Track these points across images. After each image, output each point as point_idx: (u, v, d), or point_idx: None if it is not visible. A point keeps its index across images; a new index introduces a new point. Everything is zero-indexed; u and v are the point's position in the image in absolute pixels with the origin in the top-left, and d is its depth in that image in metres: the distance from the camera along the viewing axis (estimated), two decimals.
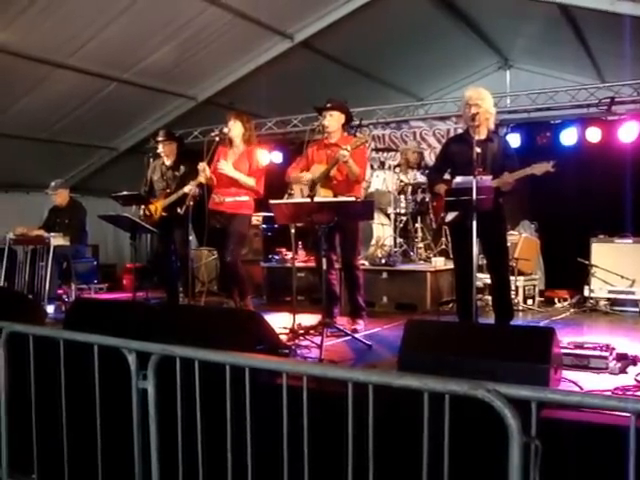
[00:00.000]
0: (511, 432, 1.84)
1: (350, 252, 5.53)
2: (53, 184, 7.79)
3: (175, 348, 2.57)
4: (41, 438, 3.24)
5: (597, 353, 3.80)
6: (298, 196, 5.40)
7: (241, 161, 5.83)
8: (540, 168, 4.65)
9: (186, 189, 5.99)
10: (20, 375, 3.24)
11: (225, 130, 5.89)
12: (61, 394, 3.09)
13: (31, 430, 3.22)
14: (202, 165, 5.75)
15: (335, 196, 5.26)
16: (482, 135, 4.89)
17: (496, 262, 5.08)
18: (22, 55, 7.32)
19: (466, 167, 4.55)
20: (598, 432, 2.60)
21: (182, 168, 6.48)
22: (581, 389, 3.32)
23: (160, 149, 6.69)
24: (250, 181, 5.75)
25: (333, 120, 5.48)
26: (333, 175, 5.36)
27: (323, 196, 5.16)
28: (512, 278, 6.30)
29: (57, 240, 7.09)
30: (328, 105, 5.48)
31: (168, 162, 6.66)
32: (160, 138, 6.70)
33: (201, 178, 5.84)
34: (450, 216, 4.94)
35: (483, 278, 6.34)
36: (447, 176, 5.16)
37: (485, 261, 5.48)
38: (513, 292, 6.31)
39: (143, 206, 6.62)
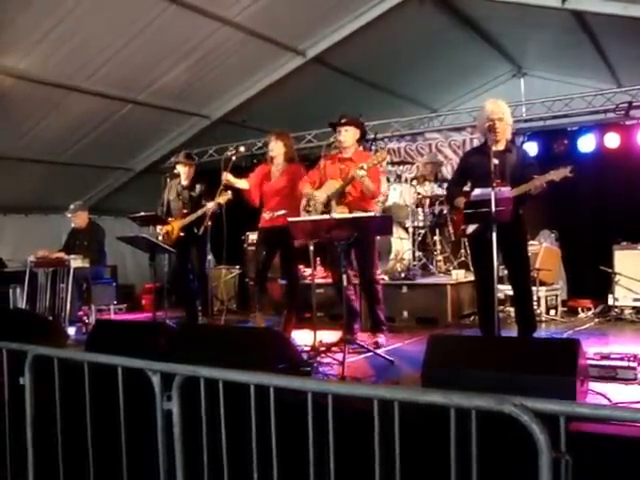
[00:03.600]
0: (540, 447, 1.80)
1: (368, 266, 5.49)
2: (72, 206, 7.86)
3: (200, 369, 2.56)
4: (67, 459, 3.24)
5: (625, 364, 3.73)
6: (315, 212, 5.39)
7: (285, 177, 5.88)
8: (558, 174, 4.60)
9: (207, 208, 6.01)
10: (44, 397, 3.25)
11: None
12: (86, 415, 3.09)
13: (57, 451, 3.22)
14: (225, 175, 5.82)
15: (350, 212, 5.24)
16: (500, 146, 4.87)
17: (517, 273, 5.02)
18: (40, 81, 7.45)
19: (485, 179, 4.50)
20: (628, 444, 2.55)
21: (198, 188, 6.53)
22: (610, 401, 3.26)
23: (180, 169, 6.72)
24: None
25: (349, 135, 5.48)
26: (348, 191, 5.35)
27: (339, 212, 5.15)
28: (534, 289, 6.22)
29: (77, 262, 7.14)
30: (343, 120, 5.48)
31: (184, 182, 6.69)
32: (181, 159, 6.75)
33: (220, 199, 5.88)
34: (471, 228, 4.91)
35: (504, 289, 6.27)
36: (467, 188, 5.13)
37: (506, 272, 5.42)
38: (535, 303, 6.23)
39: (160, 226, 6.65)
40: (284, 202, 5.85)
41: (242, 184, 5.97)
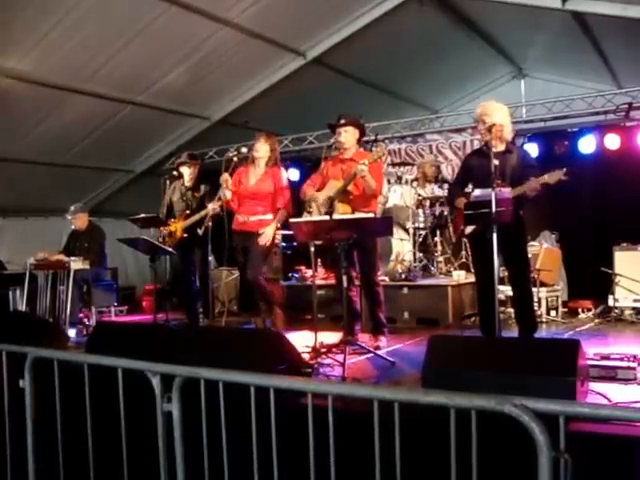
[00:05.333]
0: (540, 447, 1.80)
1: (369, 268, 5.49)
2: (72, 208, 7.85)
3: (200, 370, 2.55)
4: (67, 461, 3.24)
5: (624, 364, 3.73)
6: (316, 213, 5.39)
7: (264, 180, 5.85)
8: (552, 177, 4.61)
9: (209, 209, 5.99)
10: (44, 399, 3.25)
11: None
12: (86, 417, 3.09)
13: (57, 453, 3.22)
14: (225, 176, 5.79)
15: (353, 211, 5.24)
16: (500, 147, 4.88)
17: (518, 274, 5.03)
18: (40, 82, 7.44)
19: (486, 180, 4.52)
20: (627, 444, 2.55)
21: (202, 188, 6.51)
22: (610, 401, 3.26)
23: (184, 170, 6.69)
24: None
25: (349, 135, 5.48)
26: (350, 190, 5.35)
27: (341, 211, 5.15)
28: (534, 289, 6.22)
29: (77, 264, 7.13)
30: (342, 121, 5.48)
31: (188, 183, 6.67)
32: (185, 159, 6.73)
33: (223, 197, 5.86)
34: (469, 229, 4.91)
35: (505, 290, 6.27)
36: (469, 189, 5.14)
37: (507, 273, 5.42)
38: (536, 304, 6.23)
39: (162, 228, 6.64)
40: (259, 206, 5.82)
41: (228, 194, 5.89)
